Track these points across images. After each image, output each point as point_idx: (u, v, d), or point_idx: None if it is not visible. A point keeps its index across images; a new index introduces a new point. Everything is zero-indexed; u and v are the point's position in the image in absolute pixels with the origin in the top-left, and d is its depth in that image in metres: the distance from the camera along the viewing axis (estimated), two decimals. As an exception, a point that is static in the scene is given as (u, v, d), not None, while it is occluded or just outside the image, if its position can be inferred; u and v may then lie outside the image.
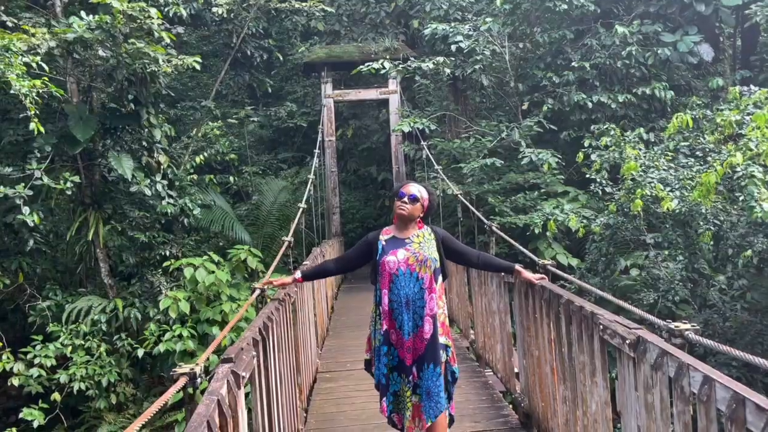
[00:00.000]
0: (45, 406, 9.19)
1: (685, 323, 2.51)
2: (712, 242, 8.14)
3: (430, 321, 3.54)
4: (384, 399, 3.65)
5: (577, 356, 3.24)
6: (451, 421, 3.75)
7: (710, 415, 1.90)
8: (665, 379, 2.22)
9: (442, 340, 3.61)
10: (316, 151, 13.74)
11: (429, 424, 3.56)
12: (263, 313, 3.45)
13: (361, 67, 12.96)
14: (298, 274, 4.04)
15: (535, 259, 4.73)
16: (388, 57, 13.97)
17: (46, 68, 7.85)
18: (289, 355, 4.18)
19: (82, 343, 9.88)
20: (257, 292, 3.99)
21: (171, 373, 2.34)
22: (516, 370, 5.17)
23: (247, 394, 2.72)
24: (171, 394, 2.20)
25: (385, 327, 3.58)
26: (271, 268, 5.38)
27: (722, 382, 1.82)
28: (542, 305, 3.94)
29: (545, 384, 3.99)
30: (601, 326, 2.82)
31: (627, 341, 2.51)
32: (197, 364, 2.39)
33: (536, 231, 10.74)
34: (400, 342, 3.56)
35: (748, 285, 8.21)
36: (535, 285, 4.07)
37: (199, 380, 2.35)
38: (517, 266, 4.01)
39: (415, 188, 3.69)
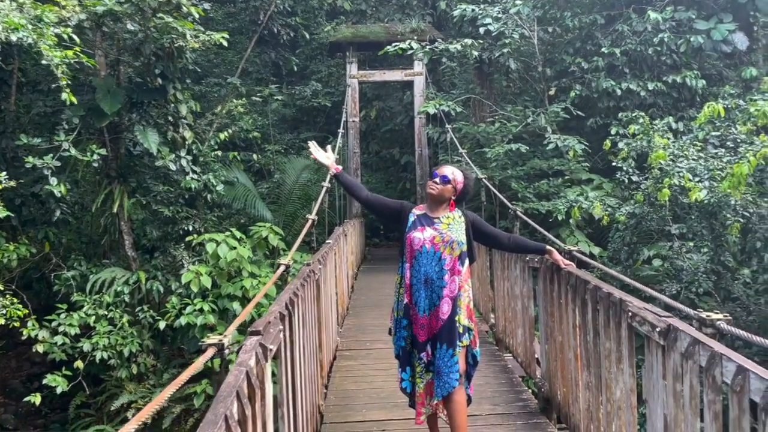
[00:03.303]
0: (68, 373, 9.34)
1: (717, 313, 2.47)
2: (739, 235, 8.01)
3: (449, 302, 3.56)
4: (400, 371, 3.73)
5: (603, 343, 3.21)
6: (468, 401, 3.78)
7: (743, 406, 1.88)
8: (696, 368, 2.19)
9: (465, 322, 3.62)
10: (340, 131, 13.70)
11: (435, 402, 3.63)
12: (290, 288, 3.47)
13: (388, 47, 12.86)
14: (340, 167, 4.07)
15: (561, 245, 4.70)
16: (414, 38, 13.84)
17: (78, 40, 7.89)
18: (312, 331, 4.21)
19: (105, 313, 10.00)
20: (282, 268, 4.01)
21: (200, 344, 2.37)
22: (537, 355, 5.17)
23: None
24: (201, 363, 2.22)
25: (406, 300, 3.64)
26: (295, 245, 5.40)
27: (757, 373, 1.80)
28: (568, 290, 3.92)
29: (567, 370, 3.98)
30: (630, 313, 2.79)
31: (657, 329, 2.48)
32: (225, 336, 2.42)
33: (559, 218, 10.65)
34: (415, 318, 3.61)
35: (773, 279, 8.08)
36: (562, 269, 4.04)
37: (226, 351, 2.38)
38: (548, 247, 4.02)
39: (449, 170, 3.70)
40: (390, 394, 4.93)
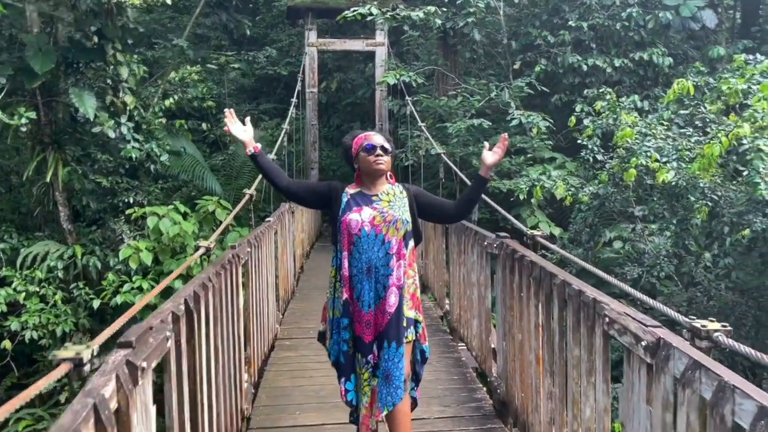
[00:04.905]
0: (-7, 354, 8.72)
1: (712, 321, 1.99)
2: (706, 218, 7.69)
3: (395, 292, 2.99)
4: (343, 380, 3.10)
5: (571, 349, 2.68)
6: (414, 405, 3.25)
7: (765, 461, 1.39)
8: (696, 400, 1.69)
9: (411, 314, 3.07)
10: (293, 100, 13.00)
11: (384, 412, 3.00)
12: (197, 279, 2.85)
13: (346, 12, 12.15)
14: (259, 146, 3.19)
15: (523, 228, 4.19)
16: (375, 4, 13.15)
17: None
18: (233, 326, 3.57)
19: (37, 290, 9.42)
20: (200, 251, 3.41)
21: (50, 357, 1.79)
22: (493, 345, 4.68)
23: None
24: (44, 386, 1.65)
25: (345, 296, 3.02)
26: (229, 217, 4.83)
27: (789, 420, 1.31)
28: (530, 283, 3.37)
29: (527, 373, 3.47)
30: (607, 319, 2.26)
31: (642, 342, 1.97)
32: (88, 346, 1.84)
33: (520, 197, 10.24)
34: (358, 315, 3.00)
35: (734, 264, 7.82)
36: (523, 259, 3.50)
37: (88, 367, 1.80)
38: (482, 172, 3.16)
39: (381, 138, 3.11)
40: (330, 393, 4.37)
